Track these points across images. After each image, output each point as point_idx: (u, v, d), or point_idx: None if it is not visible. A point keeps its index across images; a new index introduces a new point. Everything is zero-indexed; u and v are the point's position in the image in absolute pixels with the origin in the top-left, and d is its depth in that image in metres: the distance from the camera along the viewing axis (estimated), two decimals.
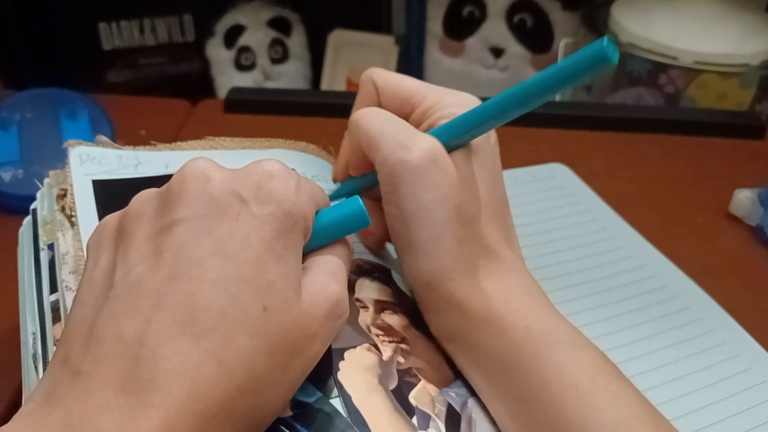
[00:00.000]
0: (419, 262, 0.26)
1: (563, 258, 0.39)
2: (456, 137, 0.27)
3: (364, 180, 0.30)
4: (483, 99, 0.31)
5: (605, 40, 0.22)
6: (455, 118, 0.27)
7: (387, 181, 0.26)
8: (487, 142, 0.28)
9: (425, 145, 0.26)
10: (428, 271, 0.26)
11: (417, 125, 0.28)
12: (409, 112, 0.29)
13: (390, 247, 0.34)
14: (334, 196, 0.32)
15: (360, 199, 0.25)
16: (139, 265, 0.21)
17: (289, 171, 0.23)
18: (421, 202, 0.26)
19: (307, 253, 0.24)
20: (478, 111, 0.26)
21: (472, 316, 0.26)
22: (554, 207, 0.44)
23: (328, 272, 0.23)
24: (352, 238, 0.27)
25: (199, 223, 0.21)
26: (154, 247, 0.21)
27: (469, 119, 0.26)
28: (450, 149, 0.27)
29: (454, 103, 0.28)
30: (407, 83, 0.29)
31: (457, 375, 0.27)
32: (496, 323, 0.25)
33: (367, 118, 0.27)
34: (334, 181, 0.33)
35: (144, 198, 0.23)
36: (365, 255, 0.31)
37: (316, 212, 0.24)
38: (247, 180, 0.22)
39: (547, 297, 0.27)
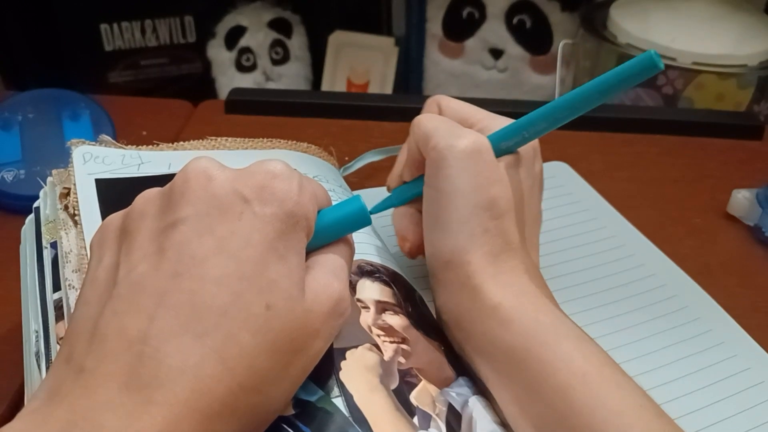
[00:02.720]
0: (443, 241, 0.28)
1: (562, 258, 0.39)
2: (508, 139, 0.29)
3: (416, 185, 0.32)
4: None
5: (652, 51, 0.25)
6: (511, 123, 0.30)
7: (433, 164, 0.29)
8: (533, 164, 0.31)
9: (474, 137, 0.29)
10: (449, 250, 0.28)
11: None
12: None
13: (392, 250, 0.34)
14: (385, 204, 0.34)
15: (361, 199, 0.25)
16: (142, 264, 0.21)
17: (292, 171, 0.23)
18: (459, 184, 0.28)
19: (310, 251, 0.24)
20: (531, 115, 0.29)
21: (483, 302, 0.27)
22: (555, 206, 0.44)
23: (330, 271, 0.23)
24: (355, 238, 0.27)
25: (202, 222, 0.21)
26: (157, 245, 0.21)
27: (523, 122, 0.29)
28: (501, 152, 0.29)
29: (504, 123, 0.31)
30: (466, 107, 0.32)
31: (458, 375, 0.27)
32: (506, 312, 0.26)
33: (428, 117, 0.31)
34: (388, 189, 0.35)
35: (147, 197, 0.23)
36: (367, 256, 0.31)
37: (319, 211, 0.24)
38: (250, 180, 0.22)
39: (556, 301, 0.28)
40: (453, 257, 0.28)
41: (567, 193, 0.46)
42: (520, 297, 0.27)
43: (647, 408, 0.24)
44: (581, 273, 0.38)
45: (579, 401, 0.24)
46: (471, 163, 0.28)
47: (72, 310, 0.24)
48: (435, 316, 0.30)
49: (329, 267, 0.23)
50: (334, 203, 0.26)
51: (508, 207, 0.28)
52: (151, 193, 0.23)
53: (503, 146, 0.30)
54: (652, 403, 0.24)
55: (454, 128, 0.29)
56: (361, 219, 0.25)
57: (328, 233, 0.25)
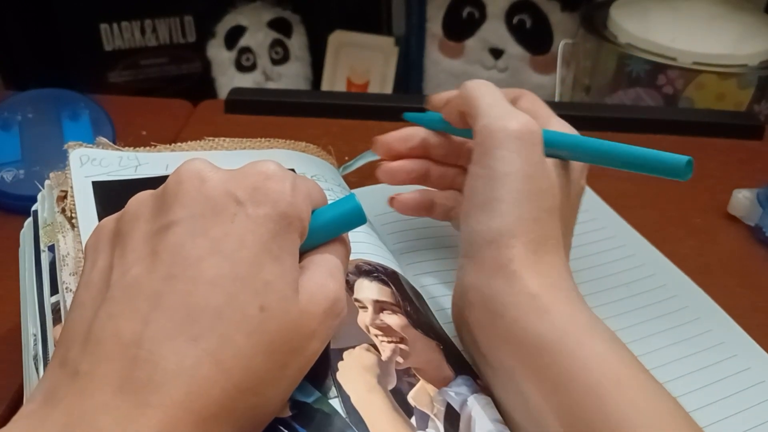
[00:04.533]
0: (491, 220, 0.28)
1: None
2: (551, 145, 0.30)
3: (449, 126, 0.34)
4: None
5: (687, 161, 0.27)
6: (562, 132, 0.31)
7: (483, 142, 0.29)
8: (579, 179, 0.32)
9: (526, 120, 0.29)
10: (497, 229, 0.28)
11: None
12: None
13: (391, 248, 0.34)
14: (420, 118, 0.37)
15: (356, 197, 0.25)
16: (136, 266, 0.21)
17: (285, 171, 0.23)
18: (514, 167, 0.28)
19: (305, 251, 0.24)
20: (577, 140, 0.30)
21: (521, 288, 0.27)
22: None
23: (325, 271, 0.23)
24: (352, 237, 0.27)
25: (196, 224, 0.21)
26: (151, 247, 0.21)
27: (569, 141, 0.30)
28: (546, 154, 0.30)
29: (560, 126, 0.32)
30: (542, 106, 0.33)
31: (457, 374, 0.27)
32: (543, 301, 0.26)
33: (485, 86, 0.31)
34: (427, 102, 0.37)
35: (140, 199, 0.23)
36: (365, 255, 0.31)
37: (313, 211, 0.24)
38: (243, 181, 0.22)
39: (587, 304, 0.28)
40: (498, 238, 0.28)
41: None
42: (557, 292, 0.27)
43: (679, 417, 0.24)
44: (581, 273, 0.38)
45: (611, 405, 0.23)
46: (525, 148, 0.28)
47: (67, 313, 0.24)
48: (452, 299, 0.30)
49: (325, 267, 0.23)
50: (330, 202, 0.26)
51: (554, 203, 0.29)
52: (144, 196, 0.23)
53: (547, 151, 0.30)
54: (683, 413, 0.24)
55: (507, 107, 0.30)
56: (356, 218, 0.25)
57: (324, 233, 0.24)
